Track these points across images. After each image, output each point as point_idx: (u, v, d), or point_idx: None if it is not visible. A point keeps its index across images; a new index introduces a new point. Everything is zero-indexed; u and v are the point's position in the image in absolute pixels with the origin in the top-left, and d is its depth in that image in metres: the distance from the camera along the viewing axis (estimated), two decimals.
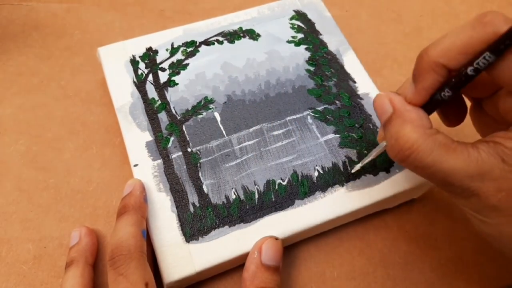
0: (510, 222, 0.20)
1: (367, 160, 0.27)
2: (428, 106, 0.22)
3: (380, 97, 0.23)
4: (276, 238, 0.26)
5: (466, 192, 0.20)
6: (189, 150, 0.30)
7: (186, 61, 0.34)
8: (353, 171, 0.29)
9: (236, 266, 0.28)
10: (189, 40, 0.35)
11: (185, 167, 0.29)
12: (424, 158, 0.21)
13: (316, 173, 0.29)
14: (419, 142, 0.21)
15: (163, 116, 0.31)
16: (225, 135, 0.30)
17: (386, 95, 0.23)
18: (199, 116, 0.31)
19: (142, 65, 0.33)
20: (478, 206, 0.21)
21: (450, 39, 0.20)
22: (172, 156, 0.29)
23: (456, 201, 0.22)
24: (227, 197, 0.28)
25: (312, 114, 0.32)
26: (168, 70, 0.33)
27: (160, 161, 0.29)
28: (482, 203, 0.20)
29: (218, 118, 0.31)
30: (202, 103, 0.32)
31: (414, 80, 0.22)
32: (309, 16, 0.37)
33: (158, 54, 0.34)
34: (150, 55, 0.34)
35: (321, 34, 0.36)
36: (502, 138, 0.20)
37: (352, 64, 0.34)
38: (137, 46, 0.34)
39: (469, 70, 0.20)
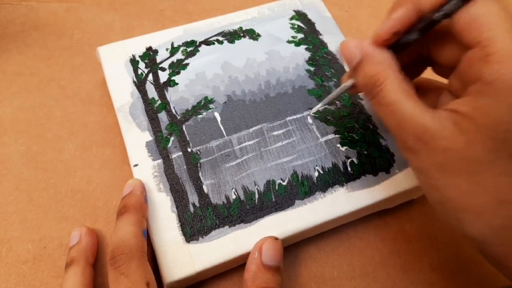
0: (454, 185, 0.21)
1: (328, 99, 0.29)
2: (394, 48, 0.23)
3: (347, 43, 0.24)
4: (276, 238, 0.26)
5: (417, 144, 0.21)
6: (189, 150, 0.30)
7: (186, 61, 0.34)
8: (311, 111, 0.31)
9: (236, 266, 0.28)
10: (189, 40, 0.35)
11: (185, 167, 0.29)
12: (388, 95, 0.22)
13: (316, 173, 0.29)
14: (388, 80, 0.22)
15: (163, 116, 0.31)
16: (225, 135, 0.30)
17: (353, 40, 0.24)
18: (199, 116, 0.31)
19: (142, 65, 0.33)
20: (425, 163, 0.21)
21: None
22: (172, 156, 0.29)
23: (407, 156, 0.23)
24: (227, 197, 0.28)
25: (312, 114, 0.32)
26: (168, 69, 0.33)
27: (160, 161, 0.29)
28: (430, 159, 0.21)
29: (218, 118, 0.31)
30: (202, 103, 0.32)
31: (387, 14, 0.23)
32: (309, 16, 0.37)
33: (158, 54, 0.34)
34: (150, 54, 0.34)
35: (321, 34, 0.36)
36: (456, 105, 0.21)
37: None
38: (137, 45, 0.34)
39: (437, 15, 0.21)
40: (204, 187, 0.28)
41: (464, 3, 0.20)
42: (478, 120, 0.20)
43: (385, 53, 0.23)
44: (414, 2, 0.22)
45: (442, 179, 0.21)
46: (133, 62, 0.33)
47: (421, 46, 0.25)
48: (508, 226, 0.20)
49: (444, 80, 0.25)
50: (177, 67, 0.33)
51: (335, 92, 0.28)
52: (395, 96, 0.22)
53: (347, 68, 0.34)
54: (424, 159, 0.21)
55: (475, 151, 0.20)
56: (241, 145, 0.30)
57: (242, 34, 0.36)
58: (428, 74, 0.27)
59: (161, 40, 0.35)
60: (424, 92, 0.26)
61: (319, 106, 0.31)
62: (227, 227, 0.27)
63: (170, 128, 0.30)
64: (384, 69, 0.22)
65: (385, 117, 0.23)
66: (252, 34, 0.36)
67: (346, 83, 0.26)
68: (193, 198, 0.28)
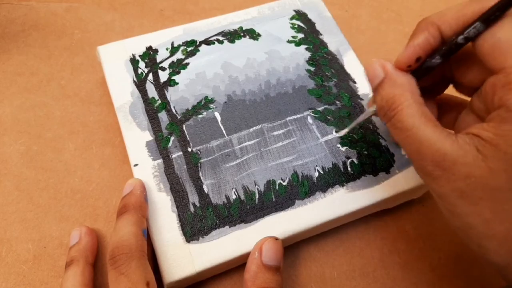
0: (476, 212, 0.20)
1: (355, 123, 0.29)
2: (417, 73, 0.23)
3: (372, 63, 0.24)
4: (276, 238, 0.26)
5: (436, 171, 0.21)
6: (189, 150, 0.30)
7: (186, 61, 0.34)
8: (338, 134, 0.30)
9: (236, 266, 0.28)
10: (189, 40, 0.35)
11: (185, 167, 0.29)
12: (406, 119, 0.21)
13: (317, 174, 0.29)
14: (405, 103, 0.22)
15: (163, 116, 0.31)
16: (226, 135, 0.30)
17: (378, 61, 0.24)
18: (200, 116, 0.31)
19: (142, 64, 0.33)
20: (446, 189, 0.21)
21: (449, 9, 0.22)
22: (172, 156, 0.29)
23: (427, 182, 0.22)
24: (227, 197, 0.28)
25: (313, 115, 0.32)
26: (168, 69, 0.33)
27: (160, 160, 0.29)
28: (450, 185, 0.21)
29: (219, 118, 0.31)
30: (203, 102, 0.32)
31: (409, 40, 0.23)
32: (309, 16, 0.37)
33: (158, 53, 0.34)
34: (150, 54, 0.34)
35: (321, 34, 0.36)
36: (479, 129, 0.20)
37: (352, 64, 0.34)
38: (137, 45, 0.34)
39: (460, 39, 0.21)
40: (204, 187, 0.28)
41: (488, 27, 0.20)
42: (502, 147, 0.19)
43: (406, 76, 0.23)
44: (436, 26, 0.22)
45: (463, 206, 0.21)
46: (133, 61, 0.33)
47: (443, 68, 0.25)
48: None
49: (466, 98, 0.25)
50: (177, 66, 0.33)
51: (361, 117, 0.28)
52: (413, 120, 0.21)
53: (347, 69, 0.34)
54: (445, 185, 0.21)
55: (498, 179, 0.20)
56: (242, 145, 0.30)
57: (242, 34, 0.36)
58: (451, 90, 0.27)
59: (161, 39, 0.35)
60: (445, 108, 0.26)
61: (346, 130, 0.30)
62: (227, 227, 0.27)
63: (170, 128, 0.30)
64: (403, 92, 0.22)
65: (402, 141, 0.22)
66: (252, 34, 0.36)
67: (372, 108, 0.26)
68: (193, 198, 0.28)
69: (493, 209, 0.20)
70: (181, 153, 0.29)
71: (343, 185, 0.29)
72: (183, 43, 0.35)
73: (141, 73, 0.33)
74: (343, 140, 0.30)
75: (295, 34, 0.36)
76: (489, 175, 0.20)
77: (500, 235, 0.20)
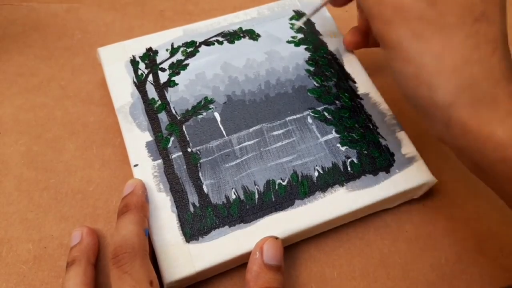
0: (428, 49, 0.23)
1: (313, 11, 0.32)
2: None
3: None
4: (276, 238, 0.26)
5: (394, 15, 0.23)
6: (189, 150, 0.30)
7: (186, 61, 0.34)
8: (296, 25, 0.34)
9: (236, 266, 0.28)
10: (189, 41, 0.35)
11: (185, 167, 0.29)
12: None
13: (316, 173, 0.29)
14: None
15: (163, 116, 0.31)
16: (225, 135, 0.30)
17: None
18: (199, 116, 0.31)
19: (142, 66, 0.33)
20: (401, 32, 0.23)
21: None
22: (172, 156, 0.29)
23: (384, 30, 0.24)
24: (227, 197, 0.28)
25: (312, 114, 0.32)
26: (168, 70, 0.33)
27: (160, 161, 0.29)
28: (405, 27, 0.23)
29: (218, 118, 0.31)
30: (202, 103, 0.32)
31: None
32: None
33: (158, 55, 0.34)
34: (150, 55, 0.34)
35: (321, 35, 0.36)
36: None
37: (351, 64, 0.34)
38: (137, 46, 0.34)
39: None
40: (204, 187, 0.28)
41: None
42: None
43: None
44: None
45: (416, 46, 0.23)
46: (133, 62, 0.33)
47: None
48: (472, 84, 0.22)
49: None
50: (177, 67, 0.33)
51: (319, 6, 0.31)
52: None
53: (347, 69, 0.34)
54: (399, 27, 0.23)
55: (445, 18, 0.22)
56: (241, 145, 0.30)
57: (242, 35, 0.36)
58: None
59: (161, 40, 0.35)
60: None
61: (305, 19, 0.34)
62: (227, 227, 0.27)
63: (170, 128, 0.30)
64: None
65: None
66: (252, 35, 0.36)
67: None
68: (193, 198, 0.28)
69: (442, 43, 0.22)
70: (181, 153, 0.29)
71: (343, 185, 0.29)
72: (183, 44, 0.35)
73: (141, 74, 0.33)
74: (343, 140, 0.30)
75: (294, 34, 0.36)
76: (438, 15, 0.22)
77: (449, 68, 0.22)
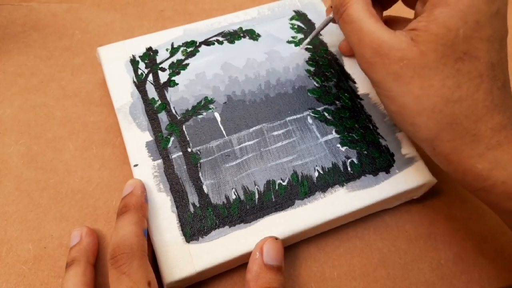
0: (408, 91, 0.23)
1: (316, 31, 0.33)
2: None
3: None
4: (276, 238, 0.26)
5: (374, 57, 0.24)
6: (189, 150, 0.30)
7: (186, 61, 0.34)
8: (300, 47, 0.34)
9: (236, 266, 0.28)
10: (189, 40, 0.35)
11: (185, 167, 0.29)
12: (352, 13, 0.25)
13: (316, 173, 0.29)
14: (352, 1, 0.25)
15: (163, 116, 0.31)
16: (225, 135, 0.30)
17: None
18: (199, 116, 0.31)
19: (142, 65, 0.33)
20: (381, 73, 0.24)
21: None
22: (172, 156, 0.29)
23: (366, 70, 0.25)
24: (227, 197, 0.28)
25: (312, 115, 0.32)
26: (168, 70, 0.33)
27: (160, 161, 0.29)
28: (385, 69, 0.23)
29: (218, 118, 0.31)
30: (202, 103, 0.32)
31: None
32: (309, 16, 0.37)
33: (158, 54, 0.34)
34: (150, 55, 0.34)
35: (321, 35, 0.36)
36: (414, 23, 0.23)
37: (352, 64, 0.34)
38: (137, 46, 0.34)
39: None
40: (204, 187, 0.28)
41: None
42: (433, 30, 0.22)
43: None
44: None
45: (397, 88, 0.24)
46: (133, 62, 0.33)
47: None
48: (453, 122, 0.23)
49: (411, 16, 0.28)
50: (177, 67, 0.33)
51: (320, 25, 0.32)
52: (358, 14, 0.25)
53: (347, 69, 0.34)
54: (380, 70, 0.24)
55: (427, 58, 0.23)
56: (241, 145, 0.30)
57: (242, 35, 0.36)
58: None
59: (161, 40, 0.35)
60: (393, 26, 0.29)
61: (307, 42, 0.34)
62: (227, 227, 0.27)
63: (170, 128, 0.30)
64: None
65: (348, 34, 0.25)
66: (252, 35, 0.36)
67: (330, 15, 0.30)
68: (193, 198, 0.28)
69: (421, 85, 0.23)
70: (181, 153, 0.29)
71: (343, 185, 0.29)
72: (183, 43, 0.35)
73: (141, 73, 0.33)
74: (343, 140, 0.30)
75: (294, 34, 0.36)
76: (419, 56, 0.23)
77: (429, 109, 0.23)
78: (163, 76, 0.33)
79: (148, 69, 0.33)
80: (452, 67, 0.22)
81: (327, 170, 0.29)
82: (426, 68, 0.23)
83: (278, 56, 0.34)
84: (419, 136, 0.24)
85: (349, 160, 0.30)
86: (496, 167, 0.23)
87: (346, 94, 0.33)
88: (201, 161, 0.29)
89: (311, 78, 0.34)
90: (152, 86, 0.32)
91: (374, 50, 0.24)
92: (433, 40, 0.22)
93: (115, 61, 0.33)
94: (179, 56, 0.34)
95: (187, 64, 0.34)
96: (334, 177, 0.29)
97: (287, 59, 0.34)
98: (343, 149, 0.30)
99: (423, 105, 0.23)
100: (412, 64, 0.23)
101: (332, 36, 0.36)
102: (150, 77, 0.33)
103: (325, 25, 0.32)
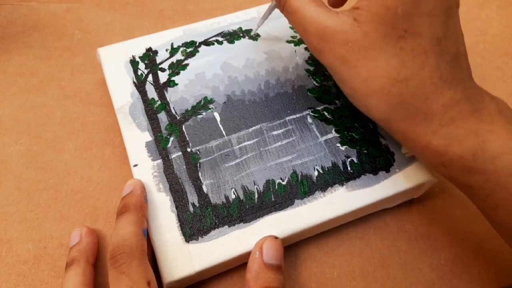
0: (356, 74, 0.23)
1: (263, 18, 0.33)
2: None
3: None
4: (276, 237, 0.26)
5: (320, 43, 0.24)
6: (188, 150, 0.30)
7: (185, 61, 0.34)
8: (253, 33, 0.34)
9: (236, 266, 0.28)
10: (188, 41, 0.35)
11: (184, 167, 0.29)
12: (293, 3, 0.25)
13: (316, 173, 0.29)
14: None
15: (162, 116, 0.31)
16: (225, 135, 0.30)
17: None
18: (199, 116, 0.31)
19: (142, 66, 0.33)
20: (330, 59, 0.24)
21: None
22: (172, 156, 0.29)
23: (318, 58, 0.25)
24: (226, 197, 0.28)
25: (312, 114, 0.32)
26: (167, 70, 0.33)
27: (159, 161, 0.29)
28: (333, 54, 0.23)
29: (218, 118, 0.31)
30: (202, 103, 0.32)
31: None
32: None
33: (158, 55, 0.34)
34: (150, 55, 0.34)
35: None
36: (358, 2, 0.23)
37: None
38: (137, 46, 0.34)
39: None
40: (204, 187, 0.28)
41: None
42: (373, 9, 0.22)
43: None
44: None
45: (346, 71, 0.23)
46: (133, 63, 0.33)
47: None
48: (402, 102, 0.23)
49: None
50: (177, 67, 0.33)
51: (266, 12, 0.32)
52: (299, 3, 0.24)
53: None
54: (328, 56, 0.24)
55: (370, 39, 0.22)
56: (241, 145, 0.30)
57: (241, 35, 0.36)
58: None
59: (161, 41, 0.35)
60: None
61: (256, 29, 0.34)
62: (226, 226, 0.27)
63: (169, 128, 0.30)
64: None
65: (294, 24, 0.25)
66: (252, 34, 0.36)
67: (271, 4, 0.31)
68: (192, 198, 0.28)
69: (367, 67, 0.23)
70: (180, 153, 0.29)
71: (342, 184, 0.29)
72: (182, 44, 0.35)
73: (141, 74, 0.33)
74: (343, 139, 0.30)
75: (294, 34, 0.36)
76: (362, 37, 0.22)
77: (377, 90, 0.23)
78: (163, 77, 0.33)
79: (148, 70, 0.33)
80: (395, 46, 0.22)
81: (326, 169, 0.29)
82: (371, 49, 0.22)
83: (278, 56, 0.34)
84: (373, 117, 0.25)
85: (349, 159, 0.30)
86: (452, 143, 0.23)
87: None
88: (201, 161, 0.29)
89: (310, 77, 0.33)
90: (152, 86, 0.32)
91: (320, 37, 0.23)
92: (374, 19, 0.22)
93: (115, 61, 0.33)
94: (178, 56, 0.34)
95: (187, 64, 0.34)
96: (334, 176, 0.29)
97: (287, 58, 0.34)
98: (343, 148, 0.30)
99: (371, 87, 0.23)
100: (357, 46, 0.23)
101: None
102: (150, 78, 0.33)
103: (270, 12, 0.32)
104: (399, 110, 0.23)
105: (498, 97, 0.25)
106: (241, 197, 0.28)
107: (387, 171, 0.29)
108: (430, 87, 0.22)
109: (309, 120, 0.31)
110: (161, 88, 0.32)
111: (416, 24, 0.22)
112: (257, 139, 0.30)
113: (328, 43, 0.23)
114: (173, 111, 0.31)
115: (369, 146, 0.30)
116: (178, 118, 0.31)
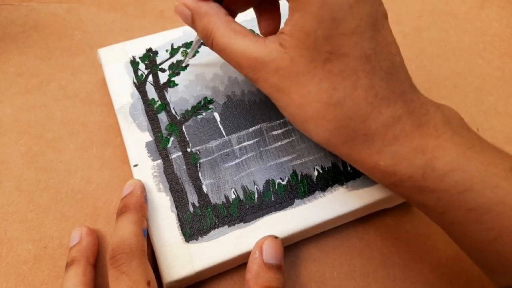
0: (291, 101, 0.23)
1: (191, 52, 0.32)
2: None
3: (176, 6, 0.26)
4: (276, 237, 0.26)
5: (255, 74, 0.23)
6: (188, 150, 0.30)
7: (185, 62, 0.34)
8: (183, 64, 0.33)
9: (235, 266, 0.28)
10: (189, 41, 0.35)
11: (184, 167, 0.29)
12: (220, 40, 0.24)
13: (316, 173, 0.29)
14: (214, 27, 0.24)
15: (163, 117, 0.31)
16: (225, 135, 0.30)
17: (179, 2, 0.25)
18: (199, 117, 0.31)
19: (142, 66, 0.33)
20: (266, 88, 0.23)
21: None
22: (172, 156, 0.29)
23: (259, 87, 0.24)
24: (226, 197, 0.28)
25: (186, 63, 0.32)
26: (168, 70, 0.33)
27: (159, 161, 0.29)
28: (268, 83, 0.23)
29: (218, 118, 0.31)
30: (202, 103, 0.32)
31: None
32: None
33: (158, 55, 0.34)
34: (150, 56, 0.34)
35: None
36: (283, 27, 0.22)
37: None
38: (137, 47, 0.34)
39: None
40: (204, 187, 0.28)
41: None
42: (295, 35, 0.21)
43: (209, 4, 0.25)
44: None
45: (282, 99, 0.23)
46: (133, 63, 0.33)
47: None
48: (340, 126, 0.22)
49: None
50: (177, 68, 0.34)
51: (194, 45, 0.31)
52: (224, 39, 0.24)
53: None
54: (264, 85, 0.23)
55: (297, 64, 0.22)
56: (241, 145, 0.30)
57: None
58: None
59: (161, 41, 0.35)
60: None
61: (186, 61, 0.33)
62: (226, 226, 0.27)
63: (169, 129, 0.30)
64: (210, 18, 0.24)
65: (226, 60, 0.24)
66: (183, 66, 0.35)
67: (197, 37, 0.30)
68: (192, 198, 0.28)
69: (300, 94, 0.22)
70: (180, 153, 0.29)
71: (342, 184, 0.29)
72: (182, 44, 0.35)
73: (141, 74, 0.33)
74: None
75: None
76: (290, 63, 0.22)
77: (313, 116, 0.22)
78: (163, 77, 0.33)
79: (148, 70, 0.33)
80: (323, 70, 0.21)
81: (326, 169, 0.29)
82: (300, 74, 0.22)
83: None
84: (316, 140, 0.24)
85: None
86: (399, 162, 0.22)
87: None
88: (201, 161, 0.29)
89: None
90: (152, 86, 0.32)
91: (252, 68, 0.23)
92: (298, 45, 0.21)
93: (115, 62, 0.33)
94: (179, 57, 0.34)
95: (187, 65, 0.34)
96: (334, 176, 0.29)
97: None
98: None
99: (306, 113, 0.22)
100: (287, 73, 0.22)
101: None
102: (150, 78, 0.33)
103: (198, 45, 0.31)
104: (337, 134, 0.22)
105: (444, 104, 0.24)
106: (241, 197, 0.28)
107: None
108: (367, 107, 0.21)
109: None
110: (161, 89, 0.32)
111: (340, 45, 0.21)
112: (257, 139, 0.30)
113: (261, 72, 0.23)
114: (173, 111, 0.31)
115: None
116: (178, 118, 0.31)
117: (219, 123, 0.31)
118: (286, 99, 0.23)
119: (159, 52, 0.34)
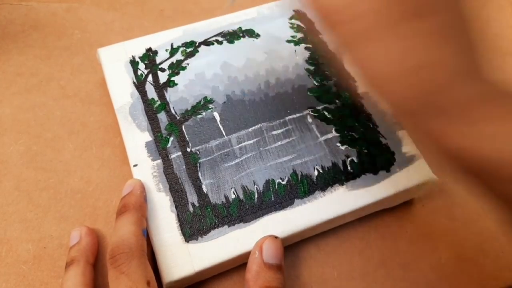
0: (374, 54, 0.20)
1: None
2: None
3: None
4: (276, 237, 0.26)
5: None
6: (188, 150, 0.30)
7: (185, 62, 0.34)
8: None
9: (235, 266, 0.28)
10: (188, 41, 0.35)
11: (184, 167, 0.29)
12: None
13: (316, 173, 0.29)
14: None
15: (162, 116, 0.31)
16: (225, 135, 0.30)
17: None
18: (199, 116, 0.31)
19: (141, 66, 0.33)
20: (350, 34, 0.20)
21: None
22: (172, 156, 0.29)
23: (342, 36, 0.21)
24: (226, 197, 0.28)
25: (312, 114, 0.31)
26: (167, 70, 0.33)
27: (159, 161, 0.29)
28: (351, 30, 0.20)
29: (218, 118, 0.31)
30: (202, 103, 0.32)
31: None
32: (309, 15, 0.37)
33: (157, 55, 0.34)
34: (149, 55, 0.34)
35: (320, 34, 0.36)
36: None
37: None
38: (136, 46, 0.34)
39: None
40: (203, 187, 0.28)
41: None
42: None
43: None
44: None
45: (363, 51, 0.20)
46: (133, 63, 0.33)
47: None
48: (427, 92, 0.19)
49: None
50: (177, 67, 0.33)
51: None
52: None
53: (346, 66, 0.34)
54: (348, 32, 0.20)
55: (390, 16, 0.19)
56: (241, 145, 0.30)
57: (241, 34, 0.36)
58: None
59: (160, 41, 0.35)
60: None
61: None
62: (226, 226, 0.27)
63: (169, 128, 0.30)
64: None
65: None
66: (252, 34, 0.36)
67: None
68: (192, 198, 0.28)
69: (384, 49, 0.19)
70: (180, 153, 0.29)
71: (342, 184, 0.29)
72: (182, 44, 0.35)
73: (141, 74, 0.33)
74: (343, 139, 0.30)
75: (294, 33, 0.36)
76: (378, 13, 0.19)
77: (395, 75, 0.20)
78: (163, 77, 0.33)
79: (148, 70, 0.33)
80: (410, 28, 0.19)
81: (327, 169, 0.29)
82: (390, 26, 0.19)
83: (278, 56, 0.34)
84: (399, 111, 0.21)
85: (349, 159, 0.30)
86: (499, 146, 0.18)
87: (346, 93, 0.33)
88: (200, 161, 0.29)
89: (310, 77, 0.33)
90: (152, 86, 0.32)
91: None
92: None
93: (115, 62, 0.33)
94: (178, 56, 0.34)
95: (187, 65, 0.34)
96: (334, 176, 0.29)
97: (287, 58, 0.34)
98: (343, 148, 0.30)
99: (390, 72, 0.20)
100: (375, 22, 0.19)
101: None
102: (150, 78, 0.33)
103: None
104: (424, 101, 0.19)
105: None
106: (241, 197, 0.28)
107: (388, 170, 0.29)
108: (451, 77, 0.19)
109: (309, 119, 0.31)
110: (161, 88, 0.32)
111: (433, 2, 0.19)
112: (257, 139, 0.30)
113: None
114: (172, 111, 0.31)
115: (370, 145, 0.30)
116: (178, 118, 0.31)
117: (218, 123, 0.31)
118: (368, 51, 0.20)
119: (158, 51, 0.34)
